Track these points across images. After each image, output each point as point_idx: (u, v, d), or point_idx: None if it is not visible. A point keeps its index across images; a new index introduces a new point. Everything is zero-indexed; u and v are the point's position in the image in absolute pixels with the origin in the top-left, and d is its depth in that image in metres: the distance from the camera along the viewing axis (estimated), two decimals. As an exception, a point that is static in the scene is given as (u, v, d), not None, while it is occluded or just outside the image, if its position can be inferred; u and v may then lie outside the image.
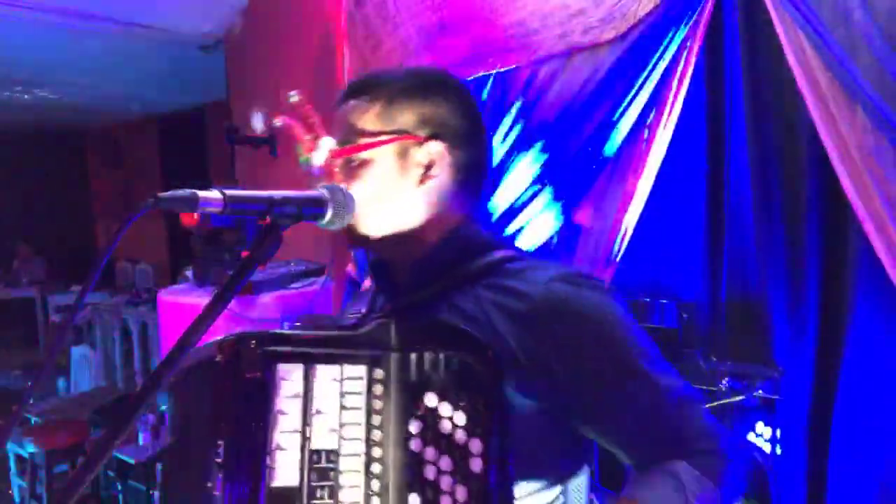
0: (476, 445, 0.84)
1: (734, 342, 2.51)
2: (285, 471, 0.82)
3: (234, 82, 4.54)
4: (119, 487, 3.41)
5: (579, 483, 1.04)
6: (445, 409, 0.85)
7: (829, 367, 2.28)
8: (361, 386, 0.86)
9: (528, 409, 0.94)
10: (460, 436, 0.84)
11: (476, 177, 1.05)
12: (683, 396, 0.96)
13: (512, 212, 2.74)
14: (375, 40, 3.18)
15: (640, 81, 2.36)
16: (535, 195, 2.67)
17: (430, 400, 0.85)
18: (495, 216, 2.78)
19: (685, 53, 2.26)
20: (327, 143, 1.08)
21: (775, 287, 2.39)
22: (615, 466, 1.15)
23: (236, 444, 0.82)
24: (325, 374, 0.85)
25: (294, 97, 1.32)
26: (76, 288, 6.95)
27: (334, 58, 3.42)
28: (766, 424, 2.32)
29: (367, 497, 0.83)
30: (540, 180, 2.65)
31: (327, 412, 0.84)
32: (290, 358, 0.85)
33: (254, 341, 0.84)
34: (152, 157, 8.57)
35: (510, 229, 2.74)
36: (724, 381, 2.34)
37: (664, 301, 2.57)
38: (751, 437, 2.32)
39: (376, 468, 0.84)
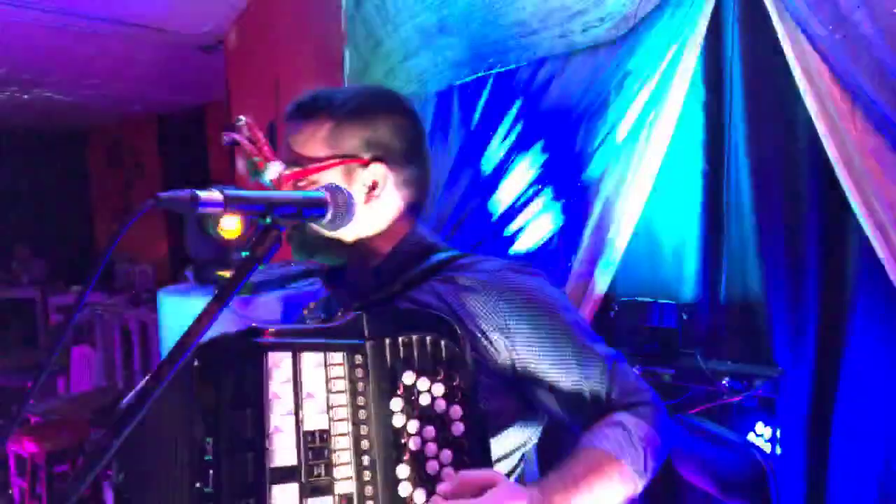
0: (456, 411, 0.93)
1: (734, 342, 2.51)
2: (283, 452, 0.87)
3: (233, 82, 4.54)
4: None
5: (530, 453, 1.19)
6: (423, 383, 0.93)
7: (829, 368, 2.28)
8: (344, 371, 0.92)
9: (489, 385, 1.03)
10: (440, 404, 0.93)
11: (419, 192, 1.15)
12: (616, 358, 1.09)
13: (512, 212, 2.73)
14: (375, 40, 3.18)
15: (640, 81, 2.36)
16: (535, 195, 2.67)
17: (408, 377, 0.93)
18: (495, 216, 2.78)
19: (685, 53, 2.27)
20: (275, 166, 1.17)
21: (775, 287, 2.39)
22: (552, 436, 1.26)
23: (229, 436, 0.85)
24: (311, 360, 0.92)
25: (241, 121, 1.43)
26: (76, 288, 6.95)
27: (334, 58, 3.42)
28: (765, 424, 2.32)
29: (360, 471, 0.89)
30: (540, 180, 2.65)
31: (316, 395, 0.91)
32: (278, 347, 0.91)
33: (238, 336, 0.90)
34: (152, 157, 8.55)
35: (510, 229, 2.74)
36: (724, 381, 2.34)
37: (664, 301, 2.57)
38: (751, 437, 2.32)
39: (364, 444, 0.90)
